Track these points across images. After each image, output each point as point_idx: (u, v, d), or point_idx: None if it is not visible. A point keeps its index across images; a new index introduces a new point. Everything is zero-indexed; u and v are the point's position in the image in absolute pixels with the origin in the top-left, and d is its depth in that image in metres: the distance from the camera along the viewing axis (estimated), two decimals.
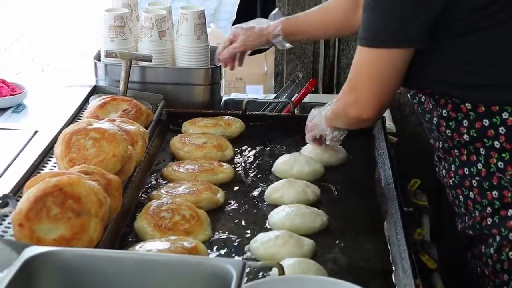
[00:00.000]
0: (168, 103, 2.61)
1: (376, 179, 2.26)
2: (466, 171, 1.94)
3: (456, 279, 2.28)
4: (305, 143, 2.35)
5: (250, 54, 3.70)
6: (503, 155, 1.87)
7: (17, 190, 1.95)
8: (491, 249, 1.93)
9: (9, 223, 1.79)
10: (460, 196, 1.98)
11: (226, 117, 2.56)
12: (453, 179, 1.98)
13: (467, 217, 2.00)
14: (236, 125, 2.52)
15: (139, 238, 1.92)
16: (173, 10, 2.75)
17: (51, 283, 1.47)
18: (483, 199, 1.93)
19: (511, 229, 1.90)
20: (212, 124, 2.50)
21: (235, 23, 3.57)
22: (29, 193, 1.72)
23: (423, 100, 2.00)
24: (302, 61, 3.10)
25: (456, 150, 1.95)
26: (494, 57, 1.84)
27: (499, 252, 1.92)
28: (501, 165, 1.88)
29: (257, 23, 2.50)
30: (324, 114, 2.17)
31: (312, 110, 2.28)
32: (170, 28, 2.70)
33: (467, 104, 1.88)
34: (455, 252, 2.57)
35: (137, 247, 1.81)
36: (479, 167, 1.91)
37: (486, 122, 1.87)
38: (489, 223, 1.93)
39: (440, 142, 2.00)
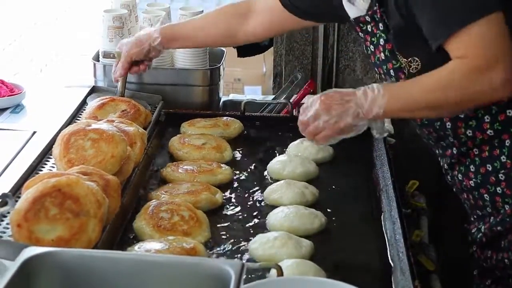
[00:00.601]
0: (166, 104, 2.61)
1: (374, 180, 2.26)
2: (489, 167, 1.92)
3: (454, 280, 2.28)
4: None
5: (248, 56, 3.71)
6: None
7: (16, 191, 1.95)
8: None
9: (7, 224, 1.79)
10: (486, 195, 1.96)
11: (224, 118, 2.56)
12: (474, 179, 1.96)
13: (493, 216, 1.97)
14: (234, 126, 2.52)
15: (138, 239, 1.92)
16: (172, 11, 2.75)
17: (50, 284, 1.46)
18: None
19: None
20: (211, 125, 2.50)
21: None
22: (28, 193, 1.72)
23: None
24: (300, 62, 3.10)
25: (475, 149, 1.93)
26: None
27: None
28: None
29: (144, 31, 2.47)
30: (382, 111, 1.81)
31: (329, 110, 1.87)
32: None
33: None
34: (453, 254, 2.57)
35: (136, 247, 1.81)
36: (502, 160, 1.90)
37: (510, 112, 1.87)
38: None
39: (455, 148, 1.97)
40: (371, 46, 1.99)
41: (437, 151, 2.07)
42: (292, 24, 2.32)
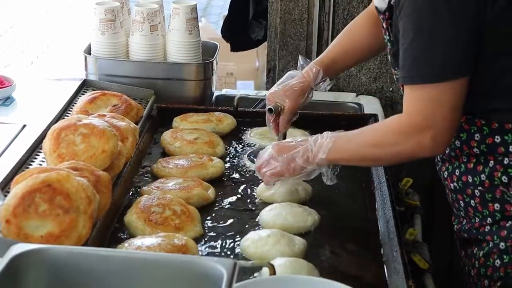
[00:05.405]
0: (159, 99, 2.59)
1: (368, 178, 2.24)
2: (470, 179, 1.93)
3: (447, 279, 2.27)
4: None
5: (242, 50, 3.69)
6: (509, 170, 1.86)
7: (5, 186, 1.93)
8: (481, 252, 1.94)
9: None
10: (461, 202, 1.97)
11: (217, 113, 2.54)
12: (455, 183, 1.96)
13: (465, 220, 1.99)
14: (227, 122, 2.50)
15: (129, 236, 1.89)
16: (164, 4, 2.73)
17: (38, 281, 1.45)
18: (484, 209, 1.92)
19: (503, 238, 1.90)
20: (204, 120, 2.48)
21: (226, 18, 3.56)
22: (17, 189, 1.69)
23: None
24: (294, 58, 3.08)
25: (464, 157, 1.94)
26: None
27: (487, 257, 1.93)
28: (505, 179, 1.87)
29: (288, 78, 2.29)
30: (324, 157, 1.93)
31: (270, 154, 2.01)
32: (162, 23, 2.68)
33: (481, 120, 1.87)
34: (446, 253, 2.56)
35: (126, 244, 1.78)
36: (482, 178, 1.90)
37: (497, 138, 1.86)
38: (486, 230, 1.93)
39: (447, 148, 1.97)
40: (387, 42, 1.97)
41: None
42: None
